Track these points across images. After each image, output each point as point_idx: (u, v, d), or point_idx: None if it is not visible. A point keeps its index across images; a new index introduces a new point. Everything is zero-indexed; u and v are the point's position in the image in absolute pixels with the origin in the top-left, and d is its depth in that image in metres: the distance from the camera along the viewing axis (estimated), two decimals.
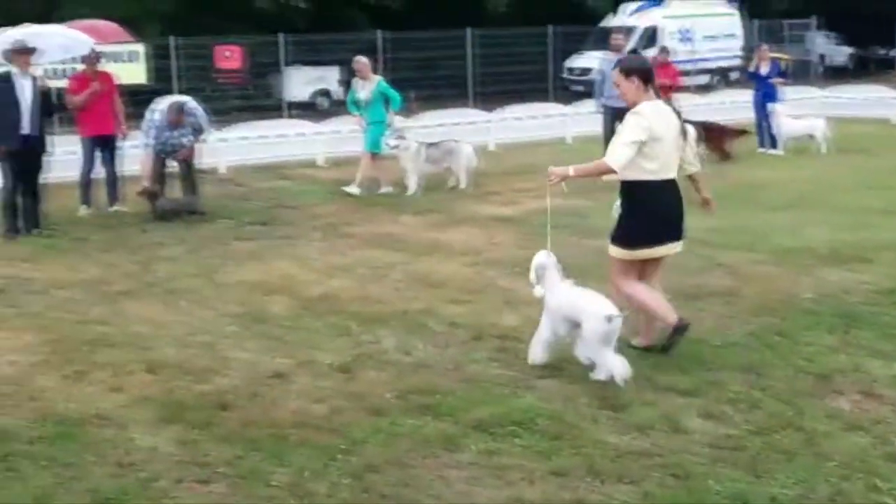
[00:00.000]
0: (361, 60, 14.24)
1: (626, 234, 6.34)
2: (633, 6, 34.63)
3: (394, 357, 6.46)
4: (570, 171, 6.51)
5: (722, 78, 34.57)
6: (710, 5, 35.59)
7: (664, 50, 17.69)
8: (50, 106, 11.89)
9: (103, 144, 13.00)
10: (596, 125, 15.78)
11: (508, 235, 10.57)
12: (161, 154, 12.48)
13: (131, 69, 24.54)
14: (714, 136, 16.66)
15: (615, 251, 6.44)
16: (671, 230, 6.32)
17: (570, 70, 33.66)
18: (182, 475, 4.77)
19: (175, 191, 12.93)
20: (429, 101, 29.10)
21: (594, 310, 5.86)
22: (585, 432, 5.16)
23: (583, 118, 22.03)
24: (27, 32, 12.19)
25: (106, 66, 14.35)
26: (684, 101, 21.30)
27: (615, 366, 5.77)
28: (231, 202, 13.81)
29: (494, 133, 21.31)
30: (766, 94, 17.88)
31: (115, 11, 26.21)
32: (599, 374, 5.85)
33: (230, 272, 9.19)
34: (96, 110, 12.86)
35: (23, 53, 11.26)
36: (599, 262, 8.92)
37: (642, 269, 6.47)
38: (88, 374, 6.27)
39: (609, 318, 5.79)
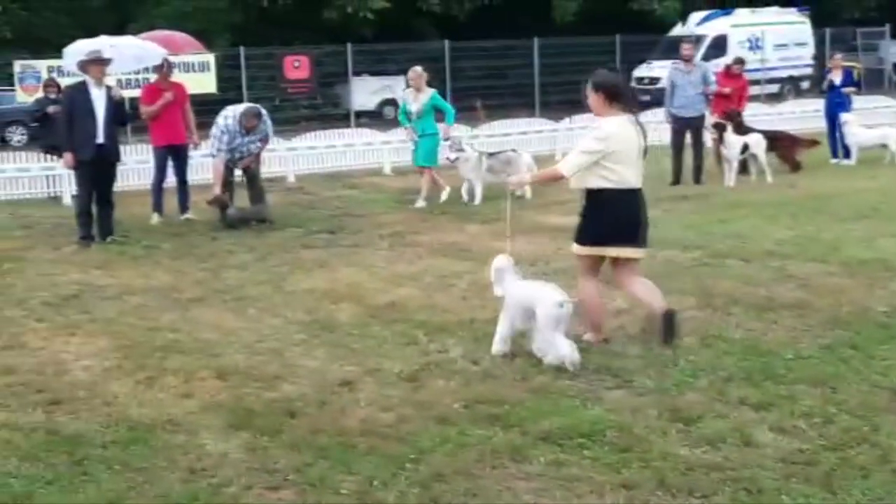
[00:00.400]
0: (416, 71, 14.16)
1: (584, 232, 6.82)
2: (701, 15, 34.32)
3: (461, 366, 6.45)
4: (527, 177, 8.75)
5: (792, 87, 34.10)
6: (781, 13, 35.14)
7: (739, 61, 17.46)
8: (123, 115, 12.07)
9: (175, 154, 13.20)
10: (662, 135, 15.63)
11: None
12: (230, 162, 12.60)
13: (202, 79, 24.88)
14: (784, 147, 16.43)
15: (576, 248, 6.91)
16: (627, 235, 6.71)
17: (638, 80, 33.42)
18: (252, 482, 4.80)
19: (244, 200, 13.08)
20: (494, 111, 29.14)
21: (547, 297, 6.34)
22: (655, 445, 5.09)
23: (650, 128, 21.92)
24: (102, 43, 12.40)
25: (177, 77, 14.55)
26: (754, 110, 21.14)
27: (566, 351, 6.23)
28: (299, 210, 13.93)
29: (561, 142, 21.24)
30: (837, 104, 17.59)
31: (187, 23, 26.68)
32: (552, 359, 6.27)
33: (298, 280, 9.25)
34: (168, 120, 13.07)
35: (98, 64, 11.47)
36: (668, 272, 8.90)
37: (617, 270, 6.88)
38: (160, 380, 6.35)
39: (560, 304, 6.29)
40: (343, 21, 31.44)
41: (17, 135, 28.41)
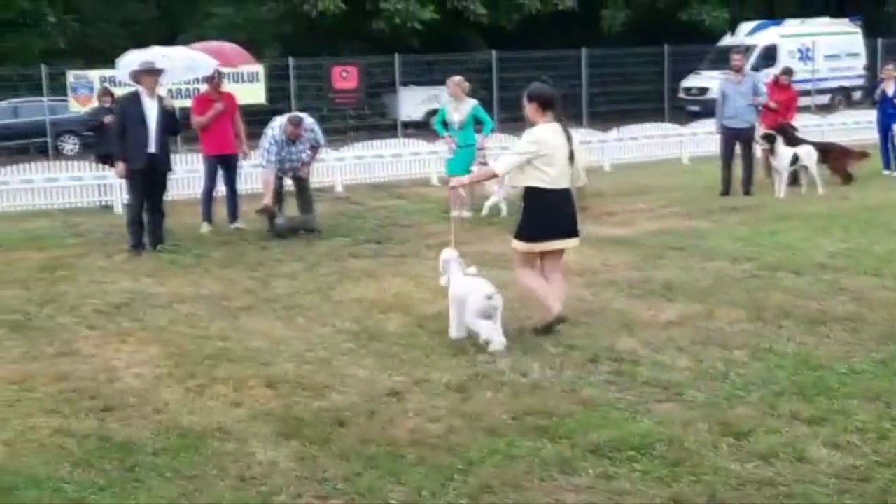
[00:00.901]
0: (455, 80, 14.08)
1: (525, 230, 7.56)
2: (750, 25, 34.06)
3: (509, 378, 6.43)
4: (465, 179, 9.36)
5: (844, 98, 33.72)
6: (832, 24, 34.78)
7: (788, 71, 17.29)
8: (174, 125, 12.18)
9: (225, 163, 13.32)
10: (712, 145, 15.53)
11: (624, 257, 10.46)
12: (280, 172, 12.68)
13: (251, 89, 25.11)
14: (836, 158, 16.24)
15: (516, 244, 7.66)
16: (562, 229, 7.55)
17: (687, 90, 33.26)
18: (301, 490, 4.82)
19: (292, 209, 13.16)
20: None
21: (478, 289, 7.15)
22: (706, 459, 5.04)
23: (699, 138, 21.80)
24: (154, 54, 12.53)
25: (227, 87, 14.66)
26: (804, 121, 20.93)
27: (494, 338, 6.99)
28: (347, 220, 13.99)
29: (609, 153, 21.20)
30: (890, 115, 17.37)
31: (237, 34, 26.94)
32: (458, 335, 7.26)
33: (346, 289, 9.29)
34: (219, 130, 13.18)
35: (150, 75, 11.60)
36: (718, 284, 8.83)
37: (543, 261, 7.67)
38: (210, 388, 6.40)
39: (489, 296, 7.08)
40: (391, 32, 31.57)
41: (69, 144, 28.81)
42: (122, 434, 5.63)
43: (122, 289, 9.67)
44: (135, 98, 11.61)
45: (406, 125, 31.15)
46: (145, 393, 6.38)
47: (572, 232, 7.62)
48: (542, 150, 7.36)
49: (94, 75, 25.62)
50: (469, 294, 7.19)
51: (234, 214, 13.40)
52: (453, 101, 14.04)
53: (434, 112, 31.70)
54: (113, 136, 11.93)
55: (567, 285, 7.96)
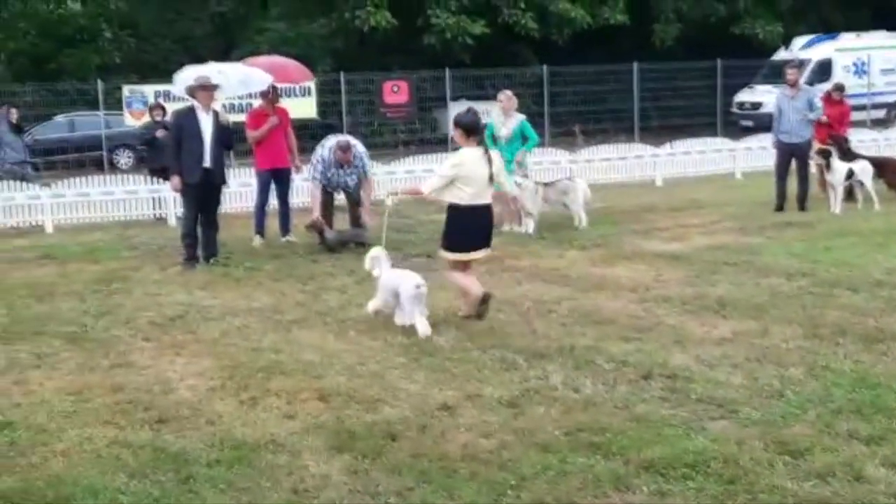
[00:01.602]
0: (507, 94, 14.07)
1: (449, 242, 8.65)
2: (805, 39, 33.70)
3: (562, 393, 6.42)
4: (398, 190, 10.74)
5: None
6: (888, 37, 34.30)
7: (839, 87, 17.11)
8: (229, 139, 12.31)
9: (277, 177, 13.41)
10: (765, 160, 15.38)
11: (676, 272, 10.39)
12: (328, 187, 12.75)
13: (303, 104, 25.34)
14: (892, 173, 16.01)
15: (443, 254, 8.79)
16: (479, 241, 8.62)
17: (740, 105, 32.97)
18: None
19: (343, 222, 13.24)
20: (593, 136, 29.04)
21: (408, 280, 8.24)
22: (761, 477, 4.99)
23: (752, 153, 21.61)
24: (210, 70, 12.68)
25: (280, 102, 14.73)
26: (860, 136, 20.68)
27: (421, 324, 8.01)
28: (396, 234, 13.95)
29: (661, 168, 21.08)
30: None
31: (289, 49, 27.17)
32: (400, 321, 8.21)
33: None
34: (272, 144, 13.28)
35: (205, 90, 11.75)
36: (774, 301, 8.74)
37: (465, 265, 8.73)
38: (263, 401, 6.45)
39: (417, 286, 8.13)
40: (442, 46, 31.66)
41: (124, 157, 29.18)
42: (176, 445, 5.69)
43: (176, 301, 9.79)
44: (190, 113, 11.74)
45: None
46: (199, 405, 6.45)
47: (486, 245, 8.73)
48: (462, 173, 8.36)
49: (149, 90, 26.03)
50: (401, 284, 8.25)
51: (285, 228, 13.49)
52: (501, 115, 14.06)
53: (485, 126, 31.91)
54: (168, 150, 12.05)
55: (619, 301, 8.27)
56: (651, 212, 15.36)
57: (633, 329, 7.98)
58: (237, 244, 13.00)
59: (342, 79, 30.14)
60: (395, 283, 8.33)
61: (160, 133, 15.57)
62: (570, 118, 31.84)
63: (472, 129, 8.53)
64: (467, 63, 32.06)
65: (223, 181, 12.17)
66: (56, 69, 32.93)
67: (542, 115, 30.43)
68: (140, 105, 25.62)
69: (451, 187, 8.41)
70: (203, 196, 11.78)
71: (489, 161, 8.46)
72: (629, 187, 19.82)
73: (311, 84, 26.28)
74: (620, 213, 15.42)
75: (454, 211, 8.50)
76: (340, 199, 13.36)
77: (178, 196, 13.23)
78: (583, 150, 22.10)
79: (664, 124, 31.35)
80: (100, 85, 28.72)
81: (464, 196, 8.40)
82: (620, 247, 12.17)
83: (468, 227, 8.54)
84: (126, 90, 26.82)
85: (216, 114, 11.88)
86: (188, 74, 12.56)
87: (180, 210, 13.35)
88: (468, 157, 8.42)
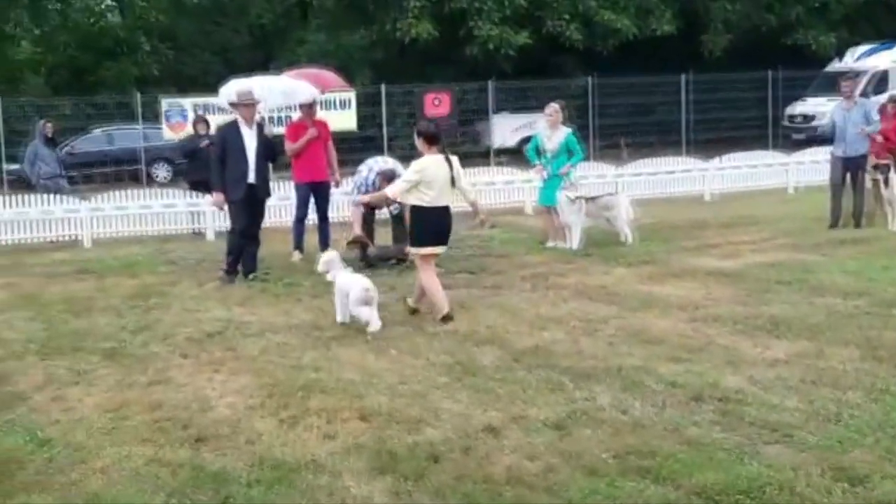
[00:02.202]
0: (554, 107, 14.02)
1: (417, 239, 9.55)
2: (861, 49, 33.36)
3: (609, 415, 6.37)
4: (366, 197, 11.59)
5: None
6: None
7: (894, 99, 16.92)
8: (273, 152, 12.38)
9: (316, 191, 13.46)
10: (819, 175, 15.23)
11: (727, 290, 10.30)
12: (370, 207, 12.79)
13: (342, 116, 25.51)
14: None
15: (414, 251, 9.69)
16: (440, 238, 9.59)
17: (791, 118, 32.71)
18: None
19: (385, 237, 13.27)
20: (639, 149, 28.91)
21: (358, 283, 9.10)
22: None
23: (805, 168, 21.44)
24: (252, 83, 12.77)
25: (319, 114, 14.80)
26: None
27: (372, 320, 8.88)
28: None
29: (710, 182, 20.96)
30: None
31: (329, 60, 27.32)
32: (344, 319, 9.20)
33: (440, 321, 9.30)
34: (311, 157, 13.34)
35: (248, 106, 11.83)
36: (829, 321, 8.63)
37: (419, 260, 9.64)
38: (303, 420, 6.46)
39: (366, 288, 8.98)
40: (484, 57, 31.72)
41: (162, 171, 29.50)
42: (215, 465, 5.71)
43: (214, 317, 9.86)
44: (233, 127, 11.81)
45: (499, 152, 31.22)
46: (238, 423, 6.46)
47: (444, 241, 9.68)
48: (425, 178, 9.31)
49: (188, 102, 26.29)
50: (352, 287, 9.04)
51: (325, 243, 13.48)
52: (547, 128, 14.04)
53: (528, 139, 31.84)
54: (212, 165, 12.04)
55: (668, 319, 8.31)
56: (700, 228, 15.26)
57: (682, 349, 7.91)
58: (276, 259, 13.07)
59: (382, 90, 30.30)
60: (347, 285, 9.15)
61: (205, 143, 15.69)
62: (615, 131, 31.78)
63: (433, 139, 9.47)
64: (510, 74, 32.11)
65: (267, 195, 12.31)
66: (95, 82, 33.42)
67: (588, 128, 30.38)
68: (179, 118, 25.90)
69: (414, 191, 9.37)
70: (248, 211, 11.88)
71: (450, 165, 9.40)
72: (677, 202, 19.72)
73: (351, 96, 26.43)
74: (669, 228, 15.34)
75: (418, 211, 9.46)
76: (382, 212, 13.39)
77: (216, 210, 13.32)
78: (629, 163, 22.04)
79: (713, 137, 31.16)
80: (138, 97, 29.07)
81: (425, 198, 9.33)
82: (669, 264, 12.10)
83: (431, 225, 9.46)
84: (164, 103, 27.11)
85: (260, 127, 12.00)
86: (232, 87, 12.67)
87: (224, 224, 13.43)
88: (430, 163, 9.36)
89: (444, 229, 9.61)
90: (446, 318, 9.24)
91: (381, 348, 8.33)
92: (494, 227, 14.03)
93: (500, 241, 14.82)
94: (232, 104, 12.06)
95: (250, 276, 11.82)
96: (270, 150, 12.13)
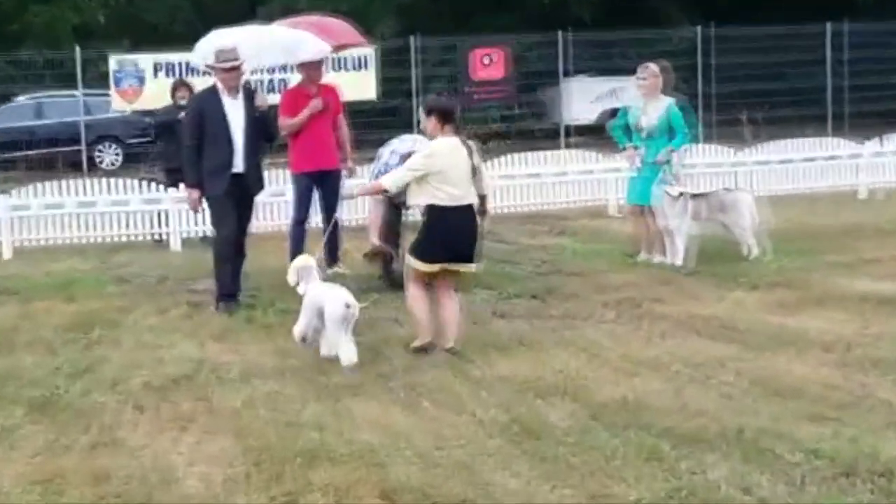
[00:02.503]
0: (651, 69, 14.05)
1: (419, 247, 9.62)
2: None
3: (727, 495, 6.35)
4: (356, 190, 11.94)
5: None
6: None
7: None
8: (269, 130, 12.41)
9: (322, 183, 13.47)
10: None
11: (891, 324, 10.26)
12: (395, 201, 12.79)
13: (358, 81, 25.57)
14: None
15: (409, 259, 9.77)
16: (457, 251, 9.58)
17: None
18: None
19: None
20: (768, 127, 28.76)
21: (336, 297, 9.27)
22: None
23: None
24: (239, 36, 12.68)
25: (327, 77, 14.74)
26: None
27: (345, 351, 9.06)
28: (491, 265, 14.01)
29: (867, 173, 20.83)
30: None
31: (338, 5, 27.39)
32: (326, 353, 9.33)
33: (491, 363, 9.32)
34: (315, 136, 13.30)
35: (229, 71, 11.70)
36: None
37: (436, 282, 9.78)
38: (303, 497, 6.49)
39: (347, 305, 9.17)
40: (553, 1, 31.70)
41: (109, 155, 29.62)
42: None
43: (180, 356, 9.93)
44: (212, 98, 11.75)
45: (573, 131, 31.20)
46: (214, 501, 6.51)
47: (468, 257, 9.68)
48: (435, 167, 9.46)
49: (146, 61, 26.43)
50: (327, 301, 9.28)
51: (333, 255, 13.52)
52: (642, 98, 14.02)
53: (613, 113, 31.72)
54: (184, 150, 12.00)
55: (807, 363, 8.33)
56: (853, 236, 15.18)
57: (828, 404, 7.87)
58: (265, 276, 13.12)
59: (413, 45, 30.34)
60: (319, 298, 9.41)
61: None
62: (734, 101, 31.66)
63: (448, 115, 9.65)
64: (589, 23, 32.08)
65: (260, 188, 12.36)
66: (18, 32, 33.60)
67: (696, 97, 30.25)
68: (133, 81, 26.10)
69: (424, 185, 9.53)
70: (236, 210, 11.86)
71: (471, 153, 9.61)
72: (820, 201, 19.64)
73: (369, 53, 26.46)
74: (808, 237, 15.30)
75: (432, 212, 9.53)
76: (412, 212, 13.42)
77: (185, 210, 13.39)
78: (753, 147, 21.95)
79: (870, 111, 30.95)
80: (78, 54, 29.20)
81: (441, 195, 9.48)
82: (809, 285, 12.05)
83: (443, 232, 9.53)
84: (113, 61, 27.32)
85: (248, 93, 11.93)
86: (210, 43, 12.60)
87: (197, 228, 13.50)
88: (442, 147, 9.56)
89: (463, 239, 9.67)
90: (420, 350, 9.59)
91: (410, 400, 8.36)
92: (562, 234, 14.06)
93: (573, 253, 14.85)
94: (210, 66, 12.06)
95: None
96: (263, 126, 12.10)
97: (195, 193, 11.88)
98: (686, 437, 7.28)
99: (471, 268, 9.82)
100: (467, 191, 9.59)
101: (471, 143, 9.68)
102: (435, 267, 9.58)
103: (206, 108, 11.77)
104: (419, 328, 9.73)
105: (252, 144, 11.80)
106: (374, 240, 12.72)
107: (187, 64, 23.01)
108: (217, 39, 12.66)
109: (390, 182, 9.87)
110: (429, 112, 9.66)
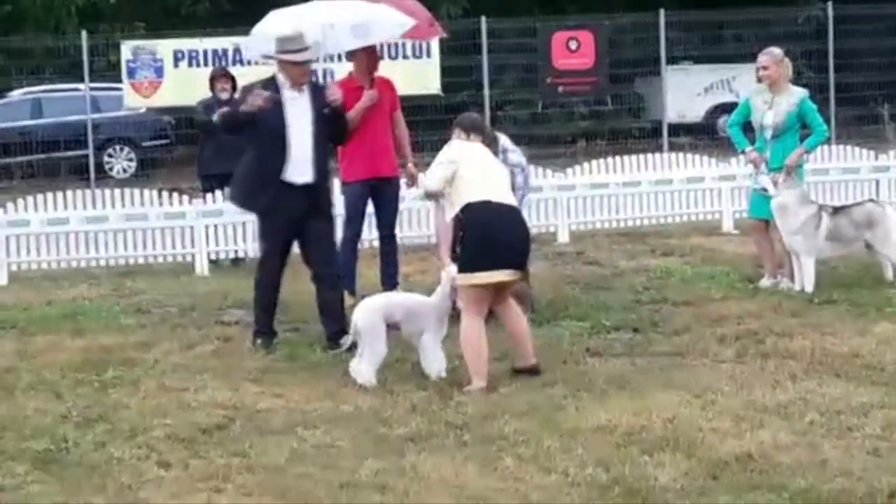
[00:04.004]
0: (774, 55, 13.91)
1: (468, 259, 10.11)
2: None
3: None
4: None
5: None
6: None
7: None
8: (342, 129, 12.07)
9: (378, 193, 13.52)
10: None
11: None
12: None
13: (418, 72, 25.51)
14: None
15: (462, 280, 10.13)
16: (505, 256, 10.08)
17: None
18: None
19: None
20: None
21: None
22: None
23: None
24: (304, 15, 12.66)
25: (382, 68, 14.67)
26: None
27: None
28: (579, 292, 14.06)
29: None
30: None
31: None
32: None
33: (584, 410, 9.30)
34: (369, 139, 13.17)
35: (297, 66, 11.46)
36: None
37: (488, 296, 10.24)
38: None
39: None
40: None
41: (121, 161, 29.72)
42: None
43: (211, 401, 9.96)
44: (272, 95, 11.37)
45: (677, 130, 31.11)
46: None
47: (514, 263, 10.23)
48: (469, 159, 10.33)
49: (165, 47, 26.53)
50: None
51: (392, 278, 13.55)
52: (765, 91, 13.91)
53: (725, 108, 31.60)
54: (244, 160, 11.86)
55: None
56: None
57: None
58: (309, 306, 13.13)
59: (483, 28, 30.34)
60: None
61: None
62: (871, 93, 31.46)
63: (474, 128, 10.86)
64: (691, 3, 31.98)
65: (329, 205, 12.07)
66: (12, 15, 33.84)
67: (826, 88, 30.06)
68: (150, 73, 26.20)
69: (458, 188, 10.23)
70: (297, 229, 11.64)
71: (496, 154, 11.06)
72: None
73: (433, 40, 26.46)
74: None
75: (471, 212, 10.11)
76: None
77: (217, 229, 13.37)
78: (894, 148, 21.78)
79: None
80: (84, 39, 29.33)
81: (479, 192, 10.16)
82: None
83: (492, 229, 10.10)
84: (127, 48, 27.44)
85: (316, 88, 11.67)
86: (270, 27, 12.49)
87: (251, 248, 13.46)
88: (468, 148, 10.59)
89: (512, 239, 10.25)
90: (478, 390, 9.91)
91: (489, 455, 8.35)
92: (667, 255, 13.97)
93: (682, 278, 14.77)
94: (269, 57, 11.97)
95: (343, 342, 11.60)
96: (337, 124, 11.77)
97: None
98: (825, 502, 7.23)
99: (511, 275, 10.21)
100: (505, 189, 10.49)
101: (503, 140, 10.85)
102: (497, 275, 10.00)
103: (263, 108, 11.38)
104: (476, 367, 10.03)
105: (318, 150, 11.55)
106: (445, 258, 12.71)
107: (215, 52, 23.15)
108: (277, 23, 12.63)
109: (430, 182, 10.59)
110: (455, 126, 10.85)
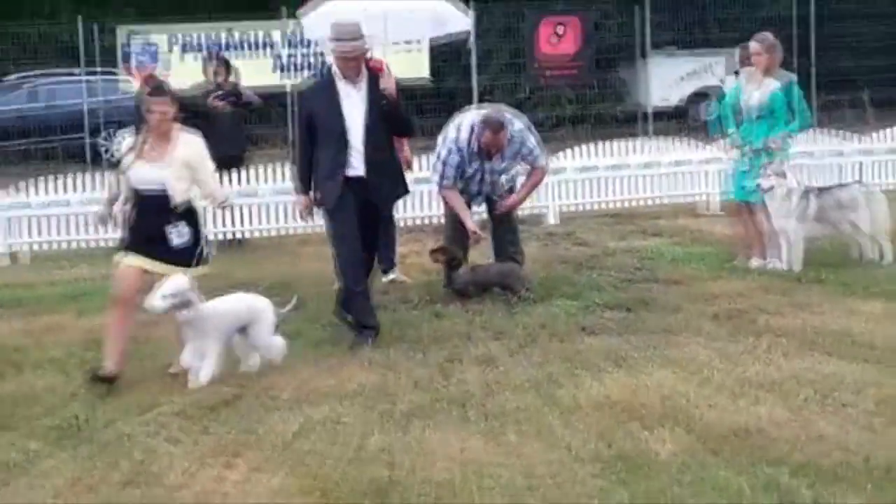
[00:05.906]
0: (766, 39, 13.94)
1: None
2: None
3: None
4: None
5: None
6: None
7: None
8: (404, 122, 11.65)
9: None
10: None
11: None
12: (465, 195, 12.71)
13: (409, 58, 25.45)
14: None
15: None
16: None
17: None
18: None
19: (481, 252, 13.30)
20: (892, 108, 28.54)
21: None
22: None
23: None
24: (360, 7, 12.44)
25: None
26: None
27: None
28: (572, 272, 14.06)
29: None
30: None
31: None
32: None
33: (582, 386, 9.30)
34: None
35: (351, 60, 10.87)
36: None
37: None
38: None
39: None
40: None
41: (119, 144, 29.64)
42: None
43: (218, 379, 9.95)
44: (324, 87, 11.17)
45: (660, 116, 31.09)
46: None
47: None
48: None
49: (160, 34, 26.44)
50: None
51: (389, 259, 13.53)
52: (752, 76, 13.92)
53: (703, 95, 31.62)
54: (296, 153, 11.58)
55: None
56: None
57: None
58: (311, 287, 13.11)
59: (471, 13, 30.26)
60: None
61: (218, 103, 15.62)
62: (848, 80, 31.46)
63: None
64: None
65: (390, 198, 11.78)
66: (10, 3, 33.73)
67: (807, 77, 30.01)
68: (147, 59, 26.11)
69: None
70: (359, 221, 11.06)
71: None
72: None
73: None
74: None
75: None
76: (480, 211, 13.39)
77: (219, 210, 13.22)
78: (878, 132, 21.75)
79: None
80: (80, 26, 29.24)
81: None
82: None
83: None
84: (122, 33, 27.31)
85: (372, 80, 11.04)
86: (325, 14, 12.20)
87: (234, 230, 13.42)
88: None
89: None
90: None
91: (492, 430, 8.35)
92: (656, 236, 14.01)
93: (671, 258, 14.78)
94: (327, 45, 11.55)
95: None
96: (393, 116, 11.13)
97: (305, 200, 11.28)
98: (817, 473, 7.24)
99: None
100: None
101: None
102: None
103: (317, 102, 11.13)
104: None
105: (377, 141, 10.99)
106: (442, 240, 12.74)
107: (208, 37, 23.09)
108: (331, 10, 12.40)
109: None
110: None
